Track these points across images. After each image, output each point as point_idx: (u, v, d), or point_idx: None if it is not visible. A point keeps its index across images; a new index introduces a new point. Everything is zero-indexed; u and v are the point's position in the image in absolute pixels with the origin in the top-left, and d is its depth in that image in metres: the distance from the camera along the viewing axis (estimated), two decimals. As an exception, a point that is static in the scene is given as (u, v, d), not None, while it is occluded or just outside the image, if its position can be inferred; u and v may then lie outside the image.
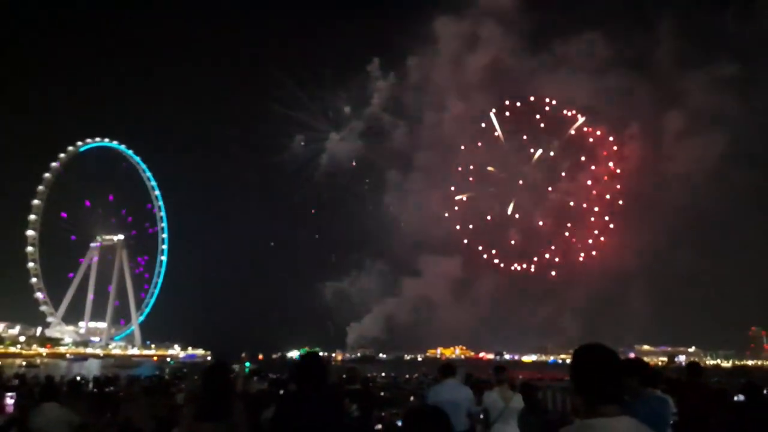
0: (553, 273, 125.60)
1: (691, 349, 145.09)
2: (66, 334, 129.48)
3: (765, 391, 7.39)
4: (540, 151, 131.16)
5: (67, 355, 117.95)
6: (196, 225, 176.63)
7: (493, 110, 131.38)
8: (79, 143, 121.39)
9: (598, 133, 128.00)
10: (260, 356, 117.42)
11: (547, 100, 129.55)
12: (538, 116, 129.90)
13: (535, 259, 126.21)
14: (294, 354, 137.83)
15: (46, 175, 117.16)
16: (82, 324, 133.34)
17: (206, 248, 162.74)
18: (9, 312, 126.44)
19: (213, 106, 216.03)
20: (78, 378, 31.25)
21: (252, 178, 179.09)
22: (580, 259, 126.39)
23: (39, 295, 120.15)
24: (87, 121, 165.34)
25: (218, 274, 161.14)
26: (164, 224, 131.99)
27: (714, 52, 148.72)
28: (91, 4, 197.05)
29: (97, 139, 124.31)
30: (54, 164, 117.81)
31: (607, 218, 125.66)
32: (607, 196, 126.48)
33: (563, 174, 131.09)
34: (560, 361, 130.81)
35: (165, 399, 18.81)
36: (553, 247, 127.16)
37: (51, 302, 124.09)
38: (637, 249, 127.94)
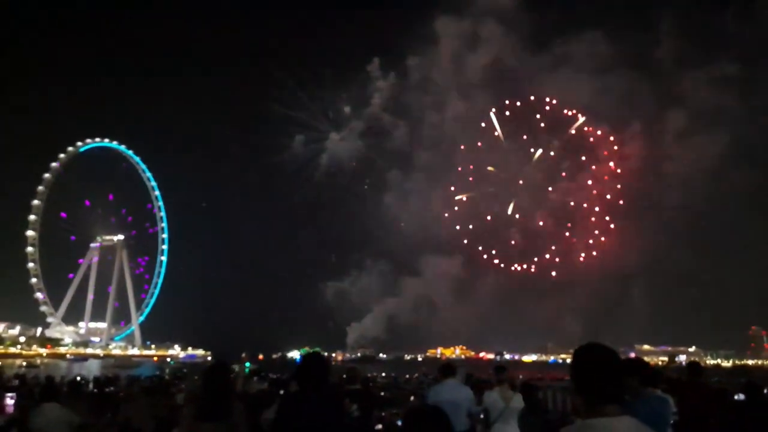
0: (554, 273, 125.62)
1: (692, 349, 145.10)
2: (66, 334, 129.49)
3: (765, 391, 7.39)
4: (540, 151, 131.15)
5: (68, 356, 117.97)
6: (196, 225, 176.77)
7: (493, 110, 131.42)
8: (79, 143, 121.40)
9: (599, 132, 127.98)
10: (260, 356, 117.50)
11: (548, 99, 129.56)
12: (538, 116, 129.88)
13: (536, 259, 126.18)
14: (294, 354, 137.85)
15: (46, 175, 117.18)
16: (82, 324, 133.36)
17: (206, 248, 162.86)
18: (9, 312, 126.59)
19: (213, 106, 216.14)
20: (78, 378, 31.24)
21: (252, 178, 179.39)
22: (581, 259, 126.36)
23: (39, 295, 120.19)
24: (87, 122, 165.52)
25: (218, 274, 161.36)
26: (164, 224, 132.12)
27: (714, 51, 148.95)
28: (91, 4, 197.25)
29: (97, 139, 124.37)
30: (54, 164, 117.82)
31: (607, 218, 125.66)
32: (608, 196, 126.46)
33: (563, 174, 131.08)
34: (560, 361, 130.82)
35: (165, 399, 18.80)
36: (553, 248, 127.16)
37: (51, 302, 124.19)
38: (638, 249, 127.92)
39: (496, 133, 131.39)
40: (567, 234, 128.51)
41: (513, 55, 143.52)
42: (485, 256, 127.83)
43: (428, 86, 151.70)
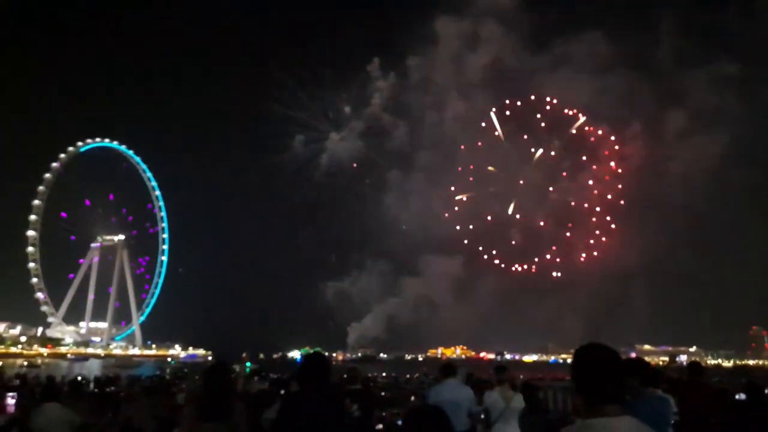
0: (555, 274, 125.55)
1: (692, 349, 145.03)
2: (67, 334, 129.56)
3: (766, 391, 7.38)
4: (541, 151, 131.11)
5: (68, 355, 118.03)
6: (196, 225, 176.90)
7: (494, 110, 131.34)
8: (80, 143, 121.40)
9: (600, 132, 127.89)
10: (261, 356, 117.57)
11: (548, 99, 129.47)
12: (538, 116, 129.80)
13: (536, 259, 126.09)
14: (295, 354, 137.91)
15: (47, 175, 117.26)
16: (82, 324, 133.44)
17: (207, 248, 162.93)
18: (10, 312, 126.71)
19: (213, 107, 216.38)
20: (79, 378, 31.29)
21: (252, 178, 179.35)
22: (582, 259, 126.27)
23: (40, 295, 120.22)
24: (87, 122, 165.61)
25: (219, 274, 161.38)
26: (165, 224, 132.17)
27: (714, 51, 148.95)
28: (91, 5, 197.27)
29: (98, 139, 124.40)
30: (54, 164, 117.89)
31: (608, 218, 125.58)
32: (609, 196, 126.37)
33: (564, 174, 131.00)
34: (561, 361, 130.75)
35: (166, 399, 18.83)
36: (554, 248, 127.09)
37: (52, 302, 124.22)
38: (638, 249, 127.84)
39: (496, 133, 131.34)
40: (567, 234, 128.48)
41: (513, 55, 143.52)
42: (485, 257, 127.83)
43: (428, 86, 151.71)
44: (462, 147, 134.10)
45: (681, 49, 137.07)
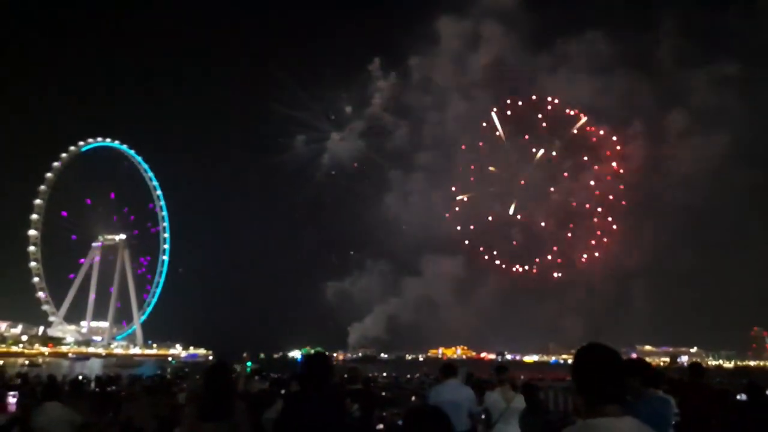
0: (556, 274, 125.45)
1: (693, 350, 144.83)
2: (68, 333, 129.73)
3: (767, 392, 7.37)
4: (542, 151, 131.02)
5: (69, 355, 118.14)
6: (197, 225, 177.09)
7: (494, 110, 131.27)
8: (81, 143, 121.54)
9: (601, 132, 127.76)
10: (262, 356, 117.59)
11: (549, 99, 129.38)
12: (539, 116, 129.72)
13: (537, 260, 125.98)
14: (296, 354, 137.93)
15: (48, 174, 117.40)
16: (83, 323, 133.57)
17: (208, 248, 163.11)
18: (11, 311, 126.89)
19: (214, 106, 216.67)
20: (80, 377, 31.33)
21: (253, 178, 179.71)
22: (583, 259, 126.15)
23: (41, 294, 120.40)
24: (89, 121, 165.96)
25: (220, 273, 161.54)
26: (166, 224, 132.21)
27: (715, 51, 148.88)
28: (91, 5, 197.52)
29: (99, 138, 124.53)
30: (56, 164, 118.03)
31: (609, 219, 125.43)
32: (610, 197, 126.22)
33: (565, 174, 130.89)
34: (562, 362, 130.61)
35: (167, 398, 18.83)
36: (554, 248, 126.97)
37: (53, 302, 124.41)
38: (639, 249, 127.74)
39: (497, 133, 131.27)
40: (569, 234, 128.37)
41: (514, 55, 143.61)
42: (486, 257, 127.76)
43: (429, 86, 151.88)
44: (463, 147, 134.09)
45: (681, 49, 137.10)
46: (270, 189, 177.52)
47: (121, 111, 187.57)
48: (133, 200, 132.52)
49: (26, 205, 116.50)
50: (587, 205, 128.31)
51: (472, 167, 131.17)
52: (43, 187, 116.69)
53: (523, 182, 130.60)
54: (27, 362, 76.55)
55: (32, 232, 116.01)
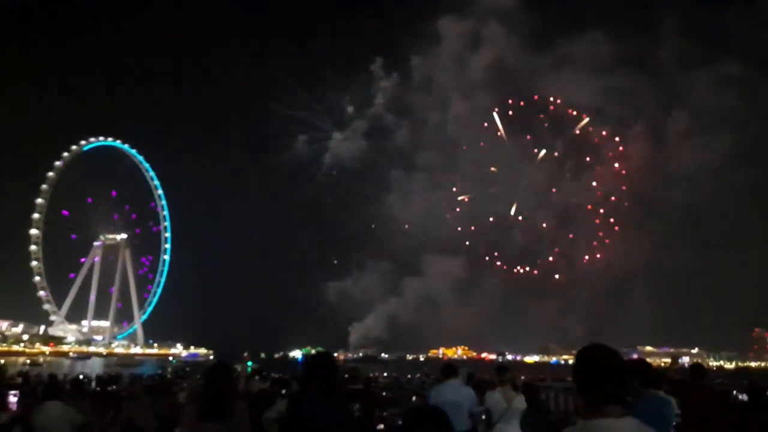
0: (557, 276, 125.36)
1: (694, 351, 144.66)
2: (69, 332, 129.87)
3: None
4: (543, 151, 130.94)
5: (70, 354, 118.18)
6: (199, 225, 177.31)
7: (496, 110, 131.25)
8: (83, 142, 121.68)
9: (603, 133, 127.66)
10: (262, 355, 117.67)
11: (551, 99, 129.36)
12: (541, 116, 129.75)
13: (538, 261, 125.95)
14: (296, 353, 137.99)
15: (50, 173, 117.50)
16: (84, 323, 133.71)
17: (209, 248, 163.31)
18: (12, 311, 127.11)
19: (214, 106, 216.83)
20: (81, 376, 31.37)
21: (254, 177, 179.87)
22: (584, 260, 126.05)
23: (42, 293, 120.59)
24: (89, 121, 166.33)
25: (221, 273, 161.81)
26: (167, 223, 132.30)
27: (716, 52, 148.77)
28: (91, 5, 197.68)
29: (101, 138, 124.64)
30: (57, 163, 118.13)
31: (611, 220, 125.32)
32: (612, 197, 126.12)
33: (567, 174, 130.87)
34: (563, 362, 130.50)
35: (167, 398, 18.84)
36: (556, 249, 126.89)
37: (54, 301, 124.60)
38: (641, 250, 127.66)
39: (498, 133, 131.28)
40: (570, 235, 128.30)
41: (515, 55, 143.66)
42: (487, 258, 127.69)
43: (431, 86, 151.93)
44: (464, 147, 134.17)
45: (682, 49, 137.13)
46: (271, 189, 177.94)
47: (122, 111, 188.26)
48: (134, 199, 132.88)
49: (27, 205, 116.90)
50: (589, 206, 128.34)
51: (473, 167, 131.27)
52: (44, 186, 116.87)
53: (524, 183, 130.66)
54: (28, 361, 76.60)
55: (34, 231, 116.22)
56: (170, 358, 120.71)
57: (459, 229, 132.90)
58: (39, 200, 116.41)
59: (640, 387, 4.86)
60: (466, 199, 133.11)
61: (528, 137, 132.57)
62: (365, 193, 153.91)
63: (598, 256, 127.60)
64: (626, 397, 2.40)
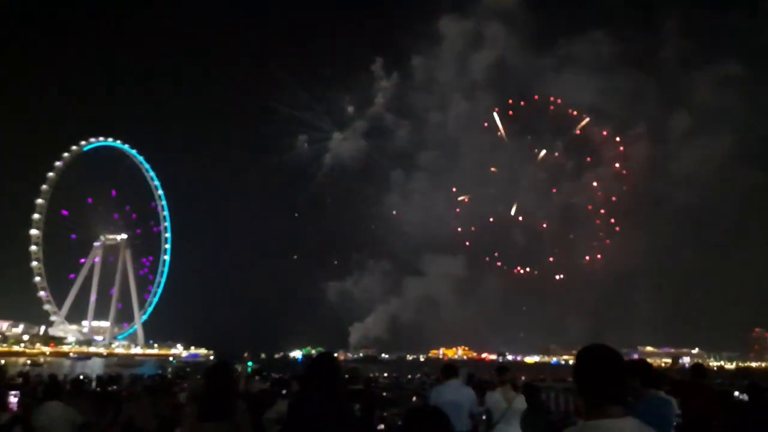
0: (558, 277, 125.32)
1: (695, 351, 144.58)
2: (69, 333, 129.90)
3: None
4: (544, 152, 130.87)
5: (71, 354, 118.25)
6: (199, 225, 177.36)
7: (496, 110, 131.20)
8: (83, 143, 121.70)
9: (604, 133, 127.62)
10: (263, 356, 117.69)
11: (552, 99, 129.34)
12: (542, 116, 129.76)
13: (539, 261, 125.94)
14: (297, 354, 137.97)
15: (50, 174, 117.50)
16: (85, 323, 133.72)
17: (209, 248, 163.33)
18: (13, 311, 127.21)
19: (216, 107, 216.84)
20: (81, 377, 31.40)
21: (255, 178, 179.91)
22: (585, 260, 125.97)
23: (42, 294, 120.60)
24: (89, 121, 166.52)
25: (221, 273, 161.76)
26: (167, 224, 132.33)
27: (718, 52, 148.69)
28: (91, 5, 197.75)
29: (101, 138, 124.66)
30: (58, 163, 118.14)
31: (612, 221, 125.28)
32: (613, 198, 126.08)
33: (568, 175, 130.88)
34: (563, 363, 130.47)
35: (168, 398, 18.83)
36: (556, 249, 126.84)
37: (54, 301, 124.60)
38: (642, 250, 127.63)
39: (499, 134, 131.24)
40: (570, 236, 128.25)
41: (516, 55, 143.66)
42: (487, 258, 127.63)
43: (431, 86, 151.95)
44: (465, 147, 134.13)
45: (683, 49, 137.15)
46: (271, 189, 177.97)
47: (122, 111, 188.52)
48: (134, 199, 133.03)
49: (26, 205, 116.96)
50: (589, 206, 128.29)
51: (474, 167, 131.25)
52: (45, 186, 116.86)
53: (525, 183, 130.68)
54: (28, 362, 76.62)
55: (34, 232, 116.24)
56: (170, 359, 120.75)
57: (459, 229, 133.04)
58: (39, 200, 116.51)
59: (641, 387, 4.86)
60: (467, 199, 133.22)
61: (529, 137, 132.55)
62: (365, 193, 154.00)
63: (599, 256, 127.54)
64: (627, 398, 2.39)
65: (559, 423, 8.83)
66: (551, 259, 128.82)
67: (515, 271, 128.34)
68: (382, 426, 11.09)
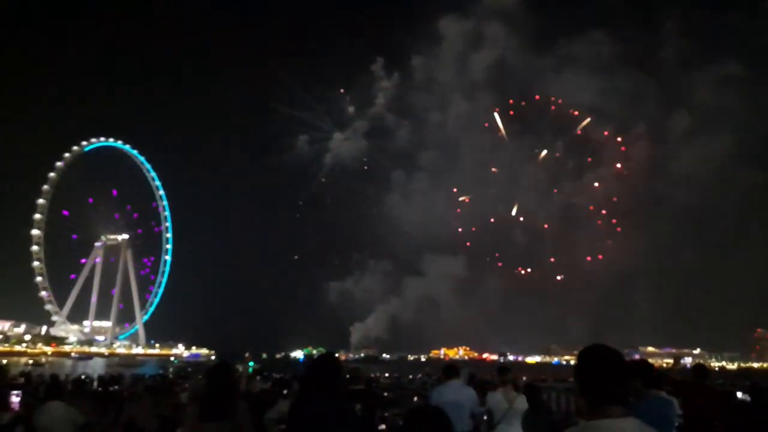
0: (559, 277, 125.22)
1: (696, 351, 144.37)
2: (71, 333, 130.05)
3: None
4: (545, 152, 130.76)
5: (72, 354, 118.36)
6: (200, 225, 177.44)
7: (497, 110, 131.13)
8: (84, 143, 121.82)
9: (605, 133, 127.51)
10: (264, 356, 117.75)
11: (552, 99, 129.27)
12: (543, 116, 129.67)
13: (539, 261, 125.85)
14: (298, 354, 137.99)
15: (51, 174, 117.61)
16: (86, 323, 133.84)
17: (210, 248, 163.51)
18: (14, 311, 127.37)
19: (217, 107, 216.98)
20: (83, 377, 31.45)
21: (255, 178, 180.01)
22: (587, 260, 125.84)
23: (44, 294, 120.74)
24: (89, 121, 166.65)
25: (222, 274, 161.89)
26: (168, 224, 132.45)
27: (718, 52, 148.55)
28: (91, 5, 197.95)
29: (102, 138, 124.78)
30: (59, 164, 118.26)
31: (614, 221, 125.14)
32: (614, 198, 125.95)
33: (568, 175, 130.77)
34: (564, 363, 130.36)
35: (169, 398, 18.84)
36: (557, 250, 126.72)
37: (56, 301, 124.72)
38: (643, 250, 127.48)
39: (499, 134, 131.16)
40: (571, 236, 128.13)
41: (516, 55, 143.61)
42: (488, 258, 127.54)
43: (432, 86, 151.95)
44: (465, 147, 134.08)
45: (683, 49, 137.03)
46: (271, 189, 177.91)
47: (123, 111, 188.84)
48: (135, 199, 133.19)
49: (27, 206, 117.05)
50: (590, 206, 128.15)
51: (475, 168, 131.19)
52: (46, 186, 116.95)
53: (525, 183, 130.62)
54: (30, 361, 76.68)
55: (35, 232, 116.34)
56: (172, 359, 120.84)
57: (460, 229, 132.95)
58: (40, 201, 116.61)
59: (642, 387, 4.86)
60: (467, 200, 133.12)
61: (529, 137, 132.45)
62: (366, 193, 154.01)
63: (600, 256, 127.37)
64: (628, 398, 2.39)
65: (561, 423, 8.82)
66: (552, 259, 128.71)
67: (516, 271, 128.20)
68: (383, 426, 11.08)
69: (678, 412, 5.26)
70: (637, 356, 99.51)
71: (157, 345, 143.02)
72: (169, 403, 16.00)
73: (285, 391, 13.22)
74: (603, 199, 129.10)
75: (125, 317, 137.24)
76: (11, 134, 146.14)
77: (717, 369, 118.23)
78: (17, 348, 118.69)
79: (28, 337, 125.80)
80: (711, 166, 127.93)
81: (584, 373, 2.35)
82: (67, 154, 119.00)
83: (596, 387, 2.29)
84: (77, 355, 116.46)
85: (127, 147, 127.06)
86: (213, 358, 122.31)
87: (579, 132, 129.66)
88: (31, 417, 6.94)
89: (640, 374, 4.91)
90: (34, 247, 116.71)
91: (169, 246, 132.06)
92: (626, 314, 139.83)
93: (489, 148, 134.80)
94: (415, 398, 18.60)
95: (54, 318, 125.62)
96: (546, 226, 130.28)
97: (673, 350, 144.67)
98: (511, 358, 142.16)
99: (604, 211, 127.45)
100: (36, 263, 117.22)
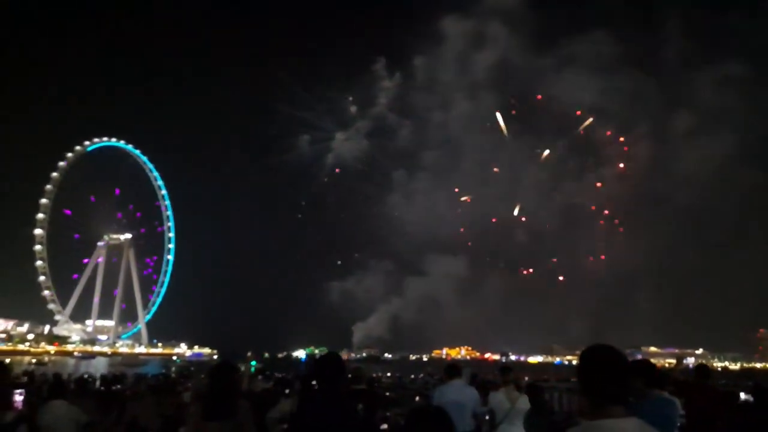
0: (561, 277, 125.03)
1: (699, 351, 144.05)
2: (74, 332, 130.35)
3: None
4: (546, 151, 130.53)
5: (75, 353, 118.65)
6: (202, 225, 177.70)
7: (499, 110, 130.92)
8: (87, 143, 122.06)
9: (607, 133, 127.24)
10: (266, 355, 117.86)
11: (554, 99, 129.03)
12: (544, 116, 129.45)
13: (541, 261, 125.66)
14: (300, 353, 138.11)
15: (54, 174, 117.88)
16: (89, 322, 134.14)
17: (213, 248, 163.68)
18: (18, 310, 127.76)
19: (218, 107, 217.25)
20: (85, 376, 31.50)
21: (257, 177, 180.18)
22: (589, 260, 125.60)
23: (47, 293, 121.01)
24: (92, 121, 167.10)
25: (223, 273, 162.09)
26: (171, 223, 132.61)
27: (718, 52, 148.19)
28: (91, 5, 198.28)
29: (104, 138, 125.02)
30: (61, 164, 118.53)
31: (616, 221, 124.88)
32: (615, 198, 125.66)
33: (570, 175, 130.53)
34: (566, 363, 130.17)
35: (172, 397, 18.88)
36: (559, 250, 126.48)
37: (58, 300, 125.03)
38: (645, 250, 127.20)
39: (501, 134, 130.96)
40: (573, 236, 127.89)
41: (518, 55, 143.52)
42: (490, 258, 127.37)
43: (434, 86, 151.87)
44: (467, 147, 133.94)
45: (685, 49, 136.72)
46: (273, 189, 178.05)
47: (124, 111, 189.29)
48: (138, 199, 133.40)
49: (29, 205, 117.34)
50: (592, 206, 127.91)
51: (476, 167, 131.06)
52: (48, 186, 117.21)
53: (527, 183, 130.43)
54: (33, 360, 76.94)
55: (38, 231, 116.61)
56: (174, 358, 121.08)
57: (461, 229, 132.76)
58: (43, 200, 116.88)
59: (644, 388, 4.85)
60: (469, 199, 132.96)
61: (531, 137, 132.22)
62: (367, 193, 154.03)
63: (602, 256, 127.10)
64: (630, 398, 2.39)
65: (563, 423, 8.81)
66: (554, 259, 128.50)
67: (517, 271, 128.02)
68: (385, 426, 11.08)
69: (680, 413, 5.26)
70: (639, 356, 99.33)
71: (160, 344, 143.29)
72: (172, 403, 16.03)
73: (287, 391, 13.23)
74: (604, 199, 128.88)
75: (128, 317, 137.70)
76: (11, 134, 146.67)
77: (720, 369, 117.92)
78: (20, 347, 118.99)
79: (31, 336, 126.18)
80: (712, 166, 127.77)
81: (586, 373, 2.35)
82: (70, 154, 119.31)
83: (598, 387, 2.29)
84: (80, 355, 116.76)
85: (130, 147, 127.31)
86: (215, 357, 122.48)
87: (581, 132, 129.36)
88: (34, 416, 6.96)
89: (642, 374, 4.90)
90: (37, 247, 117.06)
91: (171, 246, 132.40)
92: (627, 314, 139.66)
93: (490, 148, 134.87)
94: (417, 398, 18.60)
95: (57, 317, 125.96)
96: (547, 225, 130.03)
97: (676, 350, 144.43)
98: (513, 358, 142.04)
99: (605, 211, 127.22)
100: (39, 263, 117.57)
